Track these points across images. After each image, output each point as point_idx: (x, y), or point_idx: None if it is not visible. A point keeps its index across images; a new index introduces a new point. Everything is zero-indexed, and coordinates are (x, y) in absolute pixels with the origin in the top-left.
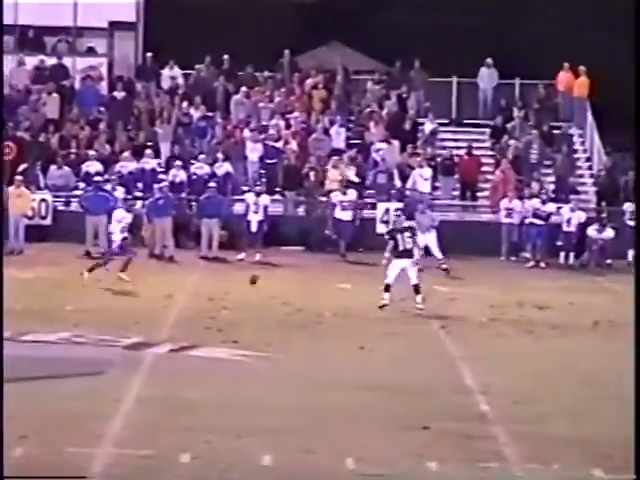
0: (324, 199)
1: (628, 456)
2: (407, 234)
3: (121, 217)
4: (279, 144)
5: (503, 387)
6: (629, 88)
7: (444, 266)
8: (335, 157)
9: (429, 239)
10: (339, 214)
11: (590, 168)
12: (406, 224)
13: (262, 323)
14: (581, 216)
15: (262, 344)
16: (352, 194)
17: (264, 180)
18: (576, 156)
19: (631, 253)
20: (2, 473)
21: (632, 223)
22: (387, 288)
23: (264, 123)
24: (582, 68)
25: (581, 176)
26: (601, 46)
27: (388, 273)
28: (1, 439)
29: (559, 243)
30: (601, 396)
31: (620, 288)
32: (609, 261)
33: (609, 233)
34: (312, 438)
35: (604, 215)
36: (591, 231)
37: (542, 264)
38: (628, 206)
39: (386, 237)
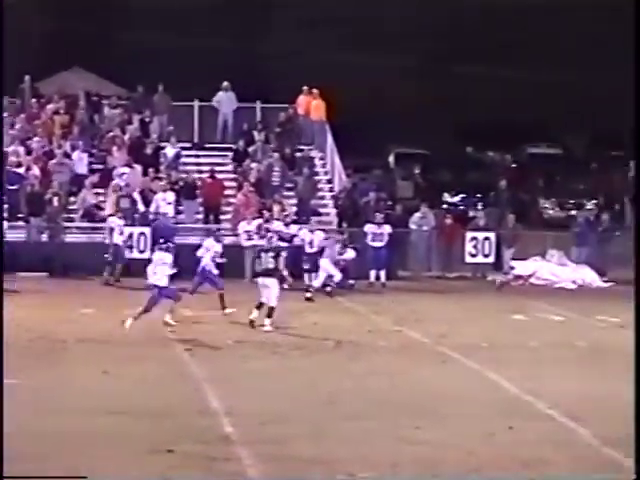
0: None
1: (370, 471)
2: (270, 254)
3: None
4: (21, 170)
5: (248, 408)
6: (368, 110)
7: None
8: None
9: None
10: (117, 239)
11: (331, 190)
12: (274, 245)
13: (5, 350)
14: (319, 237)
15: (5, 371)
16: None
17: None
18: (317, 178)
19: (373, 273)
20: (2, 473)
21: (374, 244)
22: (259, 306)
23: (4, 149)
24: (315, 91)
25: (322, 198)
26: (340, 69)
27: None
28: (1, 439)
29: (305, 265)
30: (344, 415)
31: (362, 308)
32: (351, 281)
33: (350, 254)
34: (50, 463)
35: (345, 236)
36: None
37: (285, 285)
38: (369, 227)
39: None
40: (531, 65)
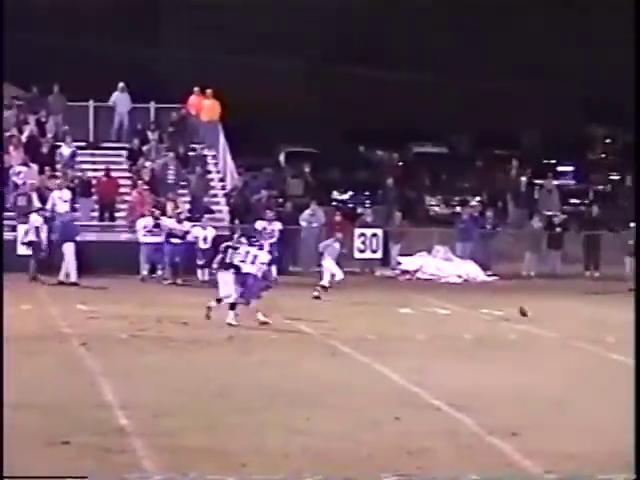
0: None
1: (262, 462)
2: (239, 251)
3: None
4: None
5: (143, 401)
6: (259, 111)
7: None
8: None
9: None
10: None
11: (223, 188)
12: (243, 241)
13: None
14: (212, 233)
15: None
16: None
17: None
18: (210, 176)
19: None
20: (2, 473)
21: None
22: (219, 301)
23: None
24: (207, 91)
25: (215, 195)
26: (232, 70)
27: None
28: (1, 439)
29: (199, 261)
30: (236, 407)
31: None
32: None
33: None
34: None
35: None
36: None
37: (179, 281)
38: (260, 224)
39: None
40: (417, 66)
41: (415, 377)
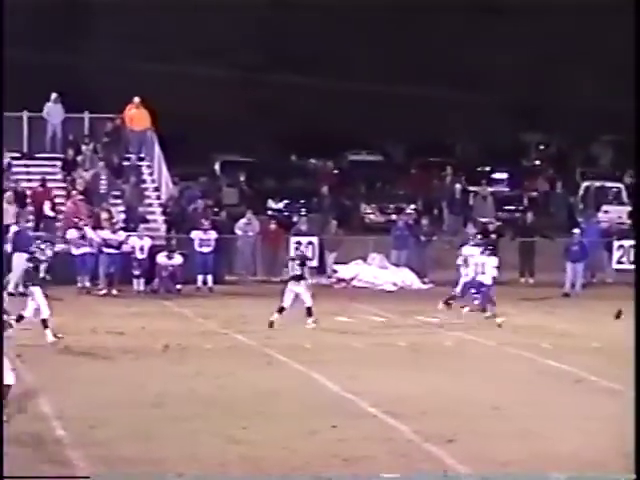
0: None
1: (198, 471)
2: (297, 262)
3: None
4: None
5: (78, 412)
6: (194, 120)
7: None
8: None
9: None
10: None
11: (159, 197)
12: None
13: None
14: (148, 243)
15: None
16: None
17: None
18: (145, 186)
19: (200, 278)
20: (2, 473)
21: (201, 250)
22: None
23: None
24: (138, 100)
25: (150, 205)
26: (166, 80)
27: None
28: (1, 439)
29: (135, 271)
30: (172, 417)
31: (189, 312)
32: (178, 286)
33: (178, 260)
34: None
35: (173, 242)
36: (161, 258)
37: (114, 291)
38: (196, 234)
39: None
40: (352, 74)
41: (351, 385)
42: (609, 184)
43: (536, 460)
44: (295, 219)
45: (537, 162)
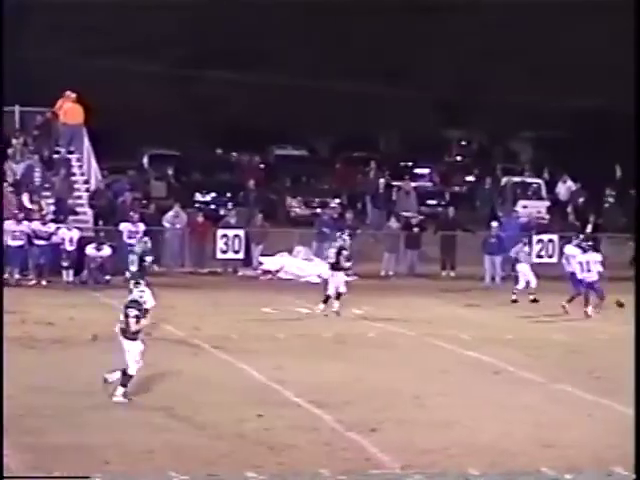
0: None
1: (125, 459)
2: (332, 250)
3: None
4: None
5: (8, 401)
6: (123, 114)
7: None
8: None
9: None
10: None
11: (88, 190)
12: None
13: None
14: (77, 234)
15: None
16: None
17: None
18: (74, 179)
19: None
20: (2, 473)
21: (130, 242)
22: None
23: None
24: (72, 95)
25: (79, 197)
26: (96, 74)
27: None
28: (1, 438)
29: (64, 263)
30: (100, 405)
31: (118, 303)
32: (107, 277)
33: (107, 251)
34: None
35: (102, 234)
36: (90, 249)
37: (44, 282)
38: (124, 226)
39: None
40: (277, 69)
41: (277, 375)
42: (529, 180)
43: (457, 448)
44: (222, 212)
45: (459, 158)
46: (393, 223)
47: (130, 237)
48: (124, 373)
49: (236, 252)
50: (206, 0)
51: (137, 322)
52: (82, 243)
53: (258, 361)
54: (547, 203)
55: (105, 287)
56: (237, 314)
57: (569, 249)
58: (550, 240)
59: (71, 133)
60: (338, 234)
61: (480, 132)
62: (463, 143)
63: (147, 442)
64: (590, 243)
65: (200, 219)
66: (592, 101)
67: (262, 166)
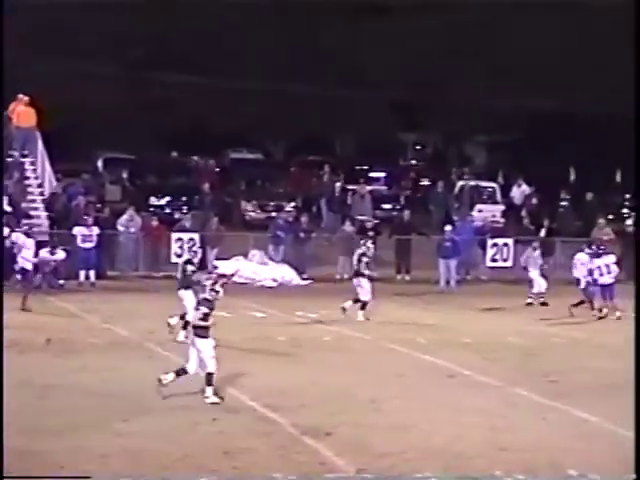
0: None
1: (80, 463)
2: (365, 259)
3: None
4: None
5: None
6: (77, 117)
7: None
8: None
9: None
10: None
11: (42, 194)
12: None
13: None
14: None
15: None
16: None
17: None
18: (28, 182)
19: (82, 273)
20: (2, 473)
21: (84, 245)
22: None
23: None
24: (25, 98)
25: (33, 201)
26: (49, 77)
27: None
28: (1, 438)
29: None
30: (55, 410)
31: (72, 307)
32: (61, 281)
33: (60, 255)
34: None
35: (56, 238)
36: (43, 253)
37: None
38: (78, 230)
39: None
40: (232, 72)
41: (231, 379)
42: (484, 184)
43: (412, 452)
44: (177, 216)
45: (413, 161)
46: (348, 227)
47: (84, 241)
48: (183, 373)
49: None
50: (161, 2)
51: (207, 319)
52: (37, 247)
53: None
54: (502, 207)
55: (59, 291)
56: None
57: (580, 255)
58: (505, 244)
59: (24, 136)
60: (362, 241)
61: (435, 135)
62: (418, 147)
63: (102, 446)
64: (603, 247)
65: (155, 223)
66: (546, 103)
67: (217, 170)
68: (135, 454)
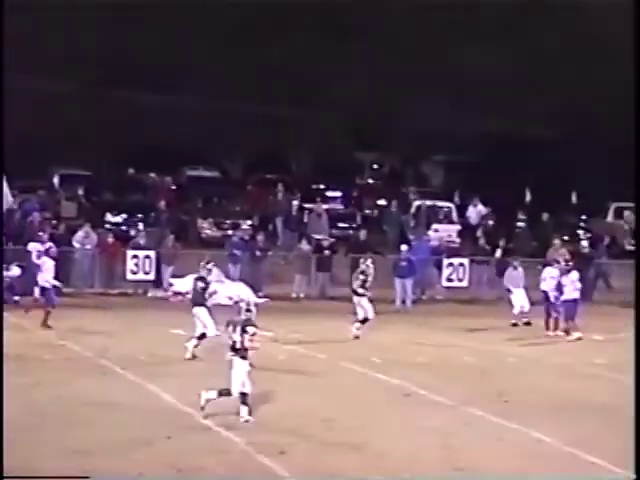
0: None
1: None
2: (362, 277)
3: None
4: None
5: None
6: (33, 133)
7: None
8: None
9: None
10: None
11: None
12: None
13: None
14: None
15: None
16: None
17: None
18: None
19: (38, 290)
20: (2, 473)
21: (39, 262)
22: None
23: None
24: None
25: None
26: (7, 91)
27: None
28: (1, 439)
29: None
30: (9, 428)
31: (27, 323)
32: (16, 298)
33: (15, 271)
34: None
35: (10, 254)
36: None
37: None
38: (33, 246)
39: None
40: (190, 90)
41: (186, 397)
42: (440, 203)
43: (365, 471)
44: (133, 233)
45: (370, 181)
46: (304, 245)
47: (39, 257)
48: (226, 394)
49: (146, 273)
50: (115, 20)
51: (252, 340)
52: None
53: (167, 383)
54: (458, 227)
55: (14, 307)
56: (147, 335)
57: (547, 271)
58: (461, 264)
59: None
60: (362, 260)
61: (392, 155)
62: (375, 166)
63: (57, 463)
64: (570, 264)
65: (110, 239)
66: (502, 125)
67: (174, 187)
68: (90, 472)
